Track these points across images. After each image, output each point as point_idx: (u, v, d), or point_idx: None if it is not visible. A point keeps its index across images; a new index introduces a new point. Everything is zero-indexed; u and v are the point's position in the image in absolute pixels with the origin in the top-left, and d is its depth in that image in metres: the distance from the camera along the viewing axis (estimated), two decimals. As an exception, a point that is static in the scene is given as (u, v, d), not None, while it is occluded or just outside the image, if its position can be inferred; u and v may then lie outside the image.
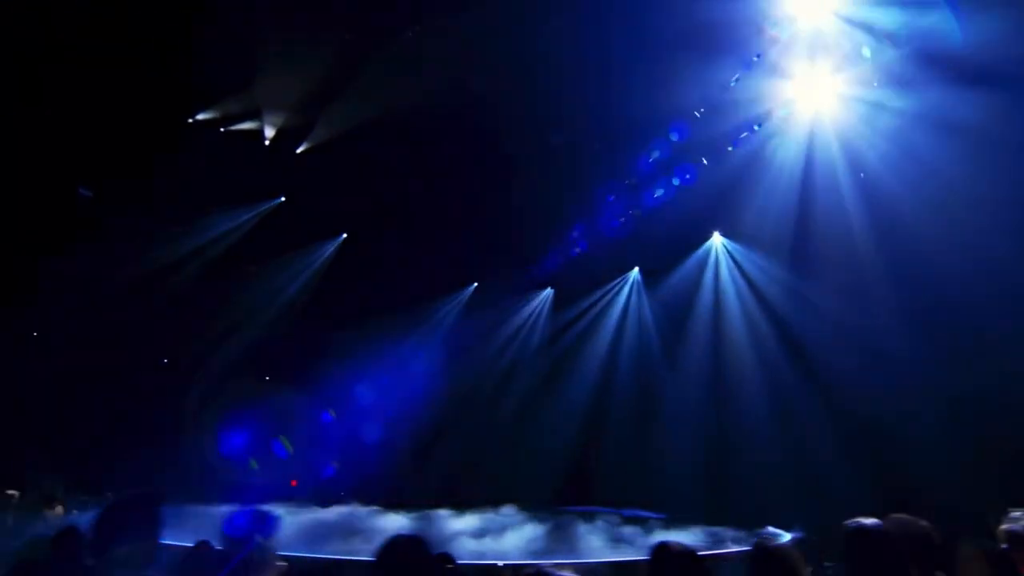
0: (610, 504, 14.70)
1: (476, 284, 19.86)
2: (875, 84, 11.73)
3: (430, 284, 19.02)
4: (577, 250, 17.55)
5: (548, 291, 19.59)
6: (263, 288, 17.68)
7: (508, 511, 13.61)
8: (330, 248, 18.77)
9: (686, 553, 2.80)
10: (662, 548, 2.85)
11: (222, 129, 16.28)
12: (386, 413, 17.85)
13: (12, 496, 9.41)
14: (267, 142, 16.47)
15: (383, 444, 17.41)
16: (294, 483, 21.36)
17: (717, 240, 17.19)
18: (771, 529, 11.79)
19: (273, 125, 16.20)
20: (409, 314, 18.60)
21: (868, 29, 11.34)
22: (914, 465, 11.09)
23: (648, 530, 11.55)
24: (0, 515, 8.92)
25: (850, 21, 11.53)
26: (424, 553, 2.90)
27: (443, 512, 12.94)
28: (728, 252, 16.91)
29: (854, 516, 3.41)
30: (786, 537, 9.81)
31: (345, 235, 19.02)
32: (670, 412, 16.22)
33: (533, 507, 13.85)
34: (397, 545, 2.87)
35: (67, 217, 15.54)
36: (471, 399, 17.91)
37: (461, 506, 13.73)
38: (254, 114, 16.16)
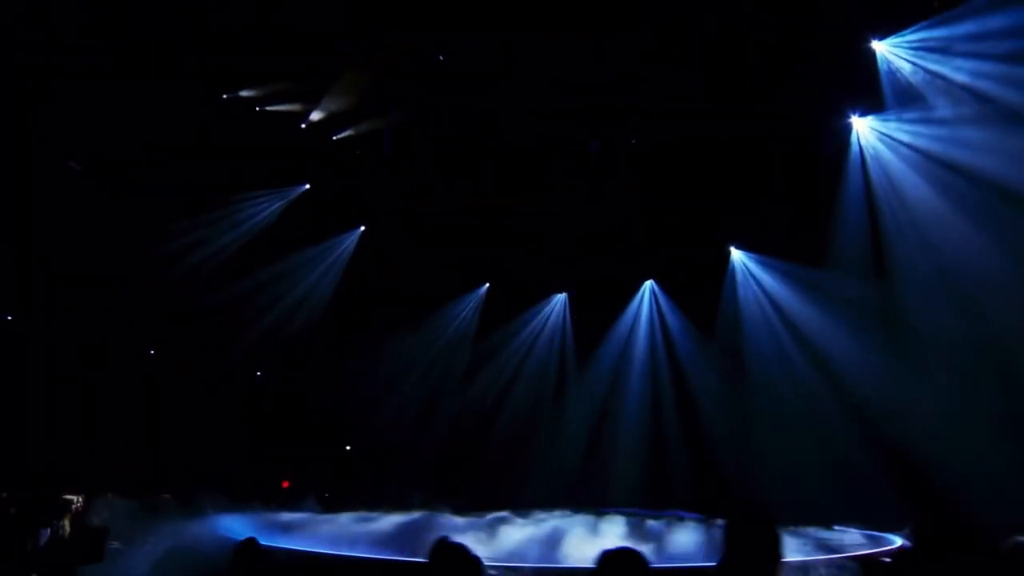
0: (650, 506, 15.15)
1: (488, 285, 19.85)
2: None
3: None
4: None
5: (563, 295, 19.86)
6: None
7: (560, 514, 13.65)
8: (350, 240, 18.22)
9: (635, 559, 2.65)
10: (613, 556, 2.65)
11: (257, 109, 15.39)
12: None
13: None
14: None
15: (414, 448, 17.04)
16: (286, 484, 20.46)
17: (736, 255, 18.06)
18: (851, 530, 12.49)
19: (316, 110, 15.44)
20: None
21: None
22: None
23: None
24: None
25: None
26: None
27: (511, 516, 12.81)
28: (747, 265, 17.77)
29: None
30: (898, 541, 10.42)
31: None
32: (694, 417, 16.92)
33: (585, 509, 14.00)
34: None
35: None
36: (504, 403, 17.87)
37: (515, 509, 13.63)
38: (292, 96, 15.34)
